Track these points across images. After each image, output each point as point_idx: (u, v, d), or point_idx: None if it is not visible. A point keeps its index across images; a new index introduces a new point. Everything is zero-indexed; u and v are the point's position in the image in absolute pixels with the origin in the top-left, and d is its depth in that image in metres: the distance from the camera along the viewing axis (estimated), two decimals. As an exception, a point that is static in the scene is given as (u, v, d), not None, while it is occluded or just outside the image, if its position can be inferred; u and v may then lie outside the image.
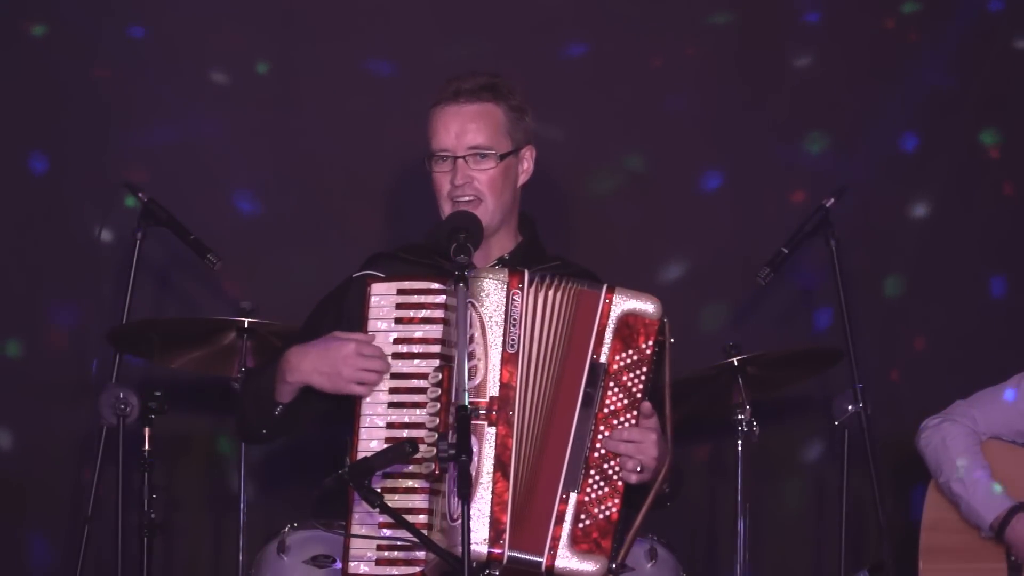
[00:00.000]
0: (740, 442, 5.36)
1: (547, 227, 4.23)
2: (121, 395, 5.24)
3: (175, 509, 5.80)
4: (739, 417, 5.34)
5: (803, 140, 6.08)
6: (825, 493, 5.99)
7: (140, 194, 5.50)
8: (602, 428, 3.77)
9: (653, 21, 6.04)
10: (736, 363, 5.31)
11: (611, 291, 3.82)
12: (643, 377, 3.79)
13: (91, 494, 5.48)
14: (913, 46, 6.08)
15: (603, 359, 3.79)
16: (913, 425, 5.27)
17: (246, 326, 5.30)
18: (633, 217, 6.02)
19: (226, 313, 5.49)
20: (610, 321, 3.80)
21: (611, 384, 3.79)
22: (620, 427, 3.77)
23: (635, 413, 3.78)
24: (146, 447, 5.24)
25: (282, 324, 5.27)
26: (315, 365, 3.86)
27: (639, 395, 3.79)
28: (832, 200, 5.51)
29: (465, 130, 4.04)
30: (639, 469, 3.77)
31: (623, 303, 3.81)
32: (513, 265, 3.97)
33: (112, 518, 5.35)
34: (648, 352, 3.80)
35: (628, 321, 3.80)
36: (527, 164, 4.14)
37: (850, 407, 5.42)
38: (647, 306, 3.82)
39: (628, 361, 3.80)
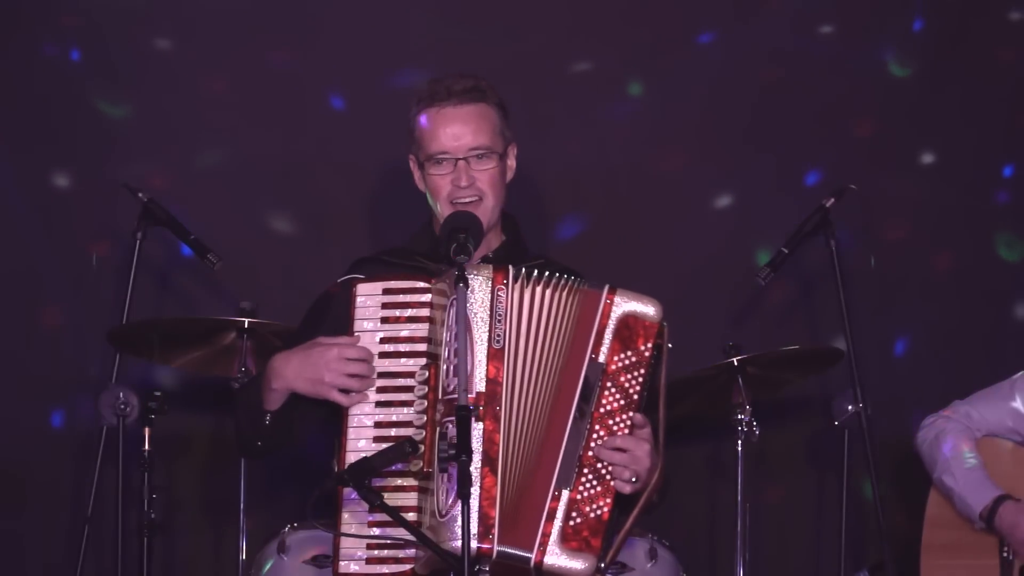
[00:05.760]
0: (740, 442, 5.36)
1: (538, 226, 4.21)
2: (121, 395, 5.24)
3: (175, 509, 5.80)
4: (739, 417, 5.33)
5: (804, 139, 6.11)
6: (825, 493, 5.99)
7: (140, 194, 5.50)
8: (597, 427, 3.77)
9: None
10: (736, 363, 5.31)
11: (612, 292, 3.82)
12: (640, 379, 3.79)
13: (91, 494, 5.48)
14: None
15: (601, 359, 3.79)
16: (913, 425, 5.27)
17: (246, 326, 5.29)
18: (633, 216, 6.02)
19: (226, 313, 5.48)
20: (610, 321, 3.80)
21: (608, 384, 3.78)
22: (613, 434, 3.76)
23: (630, 414, 3.77)
24: (146, 447, 5.24)
25: (282, 324, 5.26)
26: (298, 370, 3.84)
27: (635, 397, 3.79)
28: (832, 200, 5.50)
29: (465, 131, 4.04)
30: (634, 480, 3.76)
31: (624, 304, 3.81)
32: (497, 263, 3.95)
33: (112, 518, 5.35)
34: (647, 355, 3.80)
35: (628, 322, 3.80)
36: (511, 161, 4.15)
37: (850, 407, 5.42)
38: (648, 309, 3.82)
39: (627, 362, 3.79)
